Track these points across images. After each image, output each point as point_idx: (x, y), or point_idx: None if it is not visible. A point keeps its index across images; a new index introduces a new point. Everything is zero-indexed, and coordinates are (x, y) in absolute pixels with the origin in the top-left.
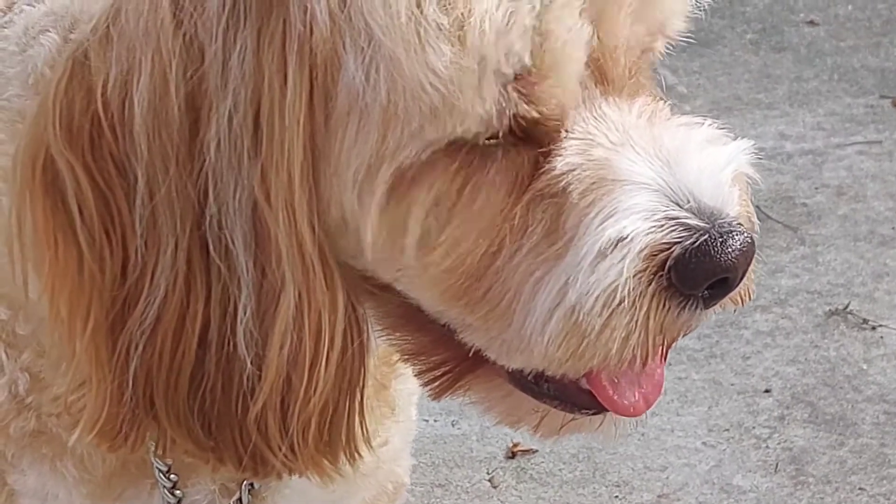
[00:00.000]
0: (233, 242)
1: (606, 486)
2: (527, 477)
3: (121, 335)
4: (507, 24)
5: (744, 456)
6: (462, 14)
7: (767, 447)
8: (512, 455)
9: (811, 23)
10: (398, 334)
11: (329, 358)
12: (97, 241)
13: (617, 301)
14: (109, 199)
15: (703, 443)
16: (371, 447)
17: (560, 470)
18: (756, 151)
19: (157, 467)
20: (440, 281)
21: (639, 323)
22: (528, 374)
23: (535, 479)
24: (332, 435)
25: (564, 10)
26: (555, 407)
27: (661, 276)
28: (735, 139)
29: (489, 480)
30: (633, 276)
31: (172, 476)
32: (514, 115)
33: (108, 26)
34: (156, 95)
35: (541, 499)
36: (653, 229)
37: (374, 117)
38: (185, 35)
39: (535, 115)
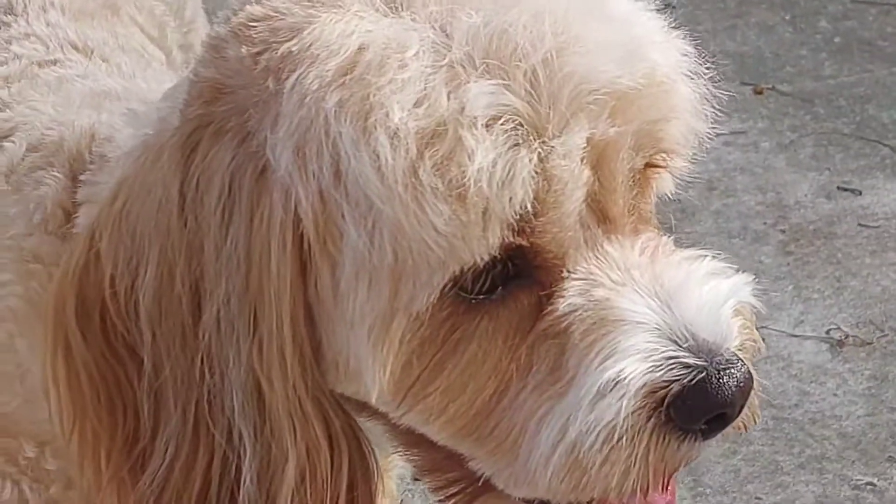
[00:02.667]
0: (233, 415)
1: None
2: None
3: (139, 482)
4: (509, 175)
5: None
6: (456, 175)
7: None
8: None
9: (668, 5)
10: (412, 451)
11: None
12: (112, 411)
13: (616, 438)
14: (121, 375)
15: None
16: None
17: None
18: None
19: None
20: (445, 423)
21: (638, 457)
22: None
23: None
24: None
25: (565, 159)
26: None
27: (660, 412)
28: (736, 272)
29: (399, 502)
30: (632, 414)
31: None
32: (515, 254)
33: (120, 212)
34: (161, 289)
35: None
36: (651, 369)
37: (384, 276)
38: (189, 230)
39: (528, 245)
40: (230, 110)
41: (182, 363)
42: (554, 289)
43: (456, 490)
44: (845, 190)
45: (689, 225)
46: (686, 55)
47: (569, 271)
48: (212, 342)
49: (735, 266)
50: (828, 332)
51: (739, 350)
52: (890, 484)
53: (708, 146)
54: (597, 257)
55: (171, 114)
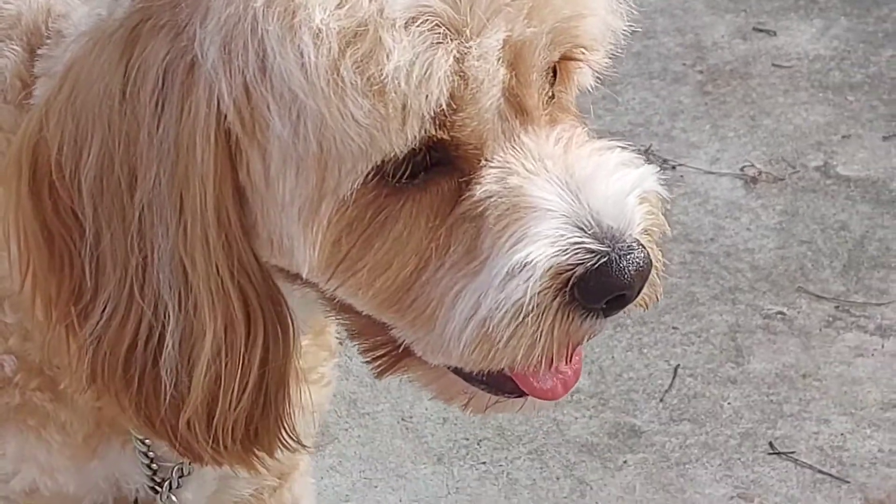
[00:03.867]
0: (159, 287)
1: None
2: None
3: (83, 331)
4: (426, 74)
5: None
6: (374, 73)
7: None
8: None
9: None
10: (342, 317)
11: (248, 383)
12: (60, 268)
13: (523, 315)
14: (67, 239)
15: None
16: (300, 440)
17: None
18: None
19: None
20: (372, 296)
21: (544, 332)
22: None
23: None
24: (261, 433)
25: (480, 59)
26: (482, 390)
27: (565, 292)
28: (646, 163)
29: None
30: (539, 294)
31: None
32: (435, 145)
33: (66, 100)
34: (101, 171)
35: None
36: (556, 253)
37: (310, 163)
38: (127, 120)
39: (448, 138)
40: (165, 5)
41: (119, 236)
42: (472, 176)
43: (382, 353)
44: (760, 31)
45: (610, 67)
46: None
47: (486, 160)
48: (143, 221)
49: (655, 106)
50: (742, 169)
51: (644, 235)
52: (798, 313)
53: None
54: (513, 147)
55: None
